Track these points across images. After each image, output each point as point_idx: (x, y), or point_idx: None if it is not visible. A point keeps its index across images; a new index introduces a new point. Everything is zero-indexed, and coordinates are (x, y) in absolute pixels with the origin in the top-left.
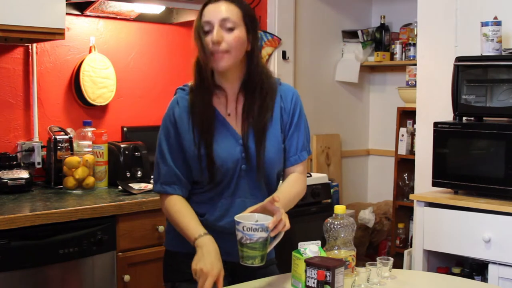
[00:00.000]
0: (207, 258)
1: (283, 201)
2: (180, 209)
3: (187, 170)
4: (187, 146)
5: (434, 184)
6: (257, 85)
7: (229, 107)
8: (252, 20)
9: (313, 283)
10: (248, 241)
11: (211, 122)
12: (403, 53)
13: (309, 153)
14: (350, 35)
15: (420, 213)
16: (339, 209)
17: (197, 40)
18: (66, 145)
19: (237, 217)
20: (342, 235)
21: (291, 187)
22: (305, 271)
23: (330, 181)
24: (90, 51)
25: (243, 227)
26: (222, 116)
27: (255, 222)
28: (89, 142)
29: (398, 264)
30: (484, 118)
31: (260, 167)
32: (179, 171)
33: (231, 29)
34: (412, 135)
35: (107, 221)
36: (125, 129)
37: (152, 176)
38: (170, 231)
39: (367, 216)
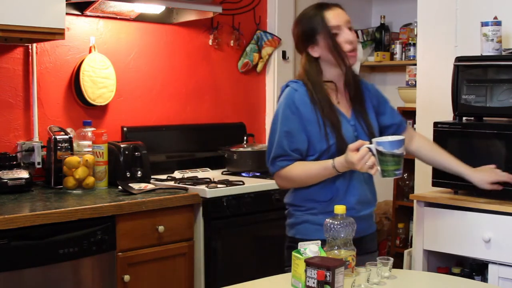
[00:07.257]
0: (348, 155)
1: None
2: (303, 165)
3: (301, 152)
4: (311, 127)
5: (434, 184)
6: (354, 78)
7: (338, 97)
8: None
9: (313, 283)
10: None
11: (333, 104)
12: (403, 53)
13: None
14: None
15: (420, 213)
16: (339, 209)
17: (329, 41)
18: (66, 145)
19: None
20: (342, 235)
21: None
22: (305, 271)
23: None
24: (90, 51)
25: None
26: (334, 104)
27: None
28: (89, 142)
29: (398, 264)
30: (484, 118)
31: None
32: (294, 153)
33: (351, 29)
34: None
35: (107, 221)
36: (125, 129)
37: (152, 176)
38: (303, 222)
39: None
